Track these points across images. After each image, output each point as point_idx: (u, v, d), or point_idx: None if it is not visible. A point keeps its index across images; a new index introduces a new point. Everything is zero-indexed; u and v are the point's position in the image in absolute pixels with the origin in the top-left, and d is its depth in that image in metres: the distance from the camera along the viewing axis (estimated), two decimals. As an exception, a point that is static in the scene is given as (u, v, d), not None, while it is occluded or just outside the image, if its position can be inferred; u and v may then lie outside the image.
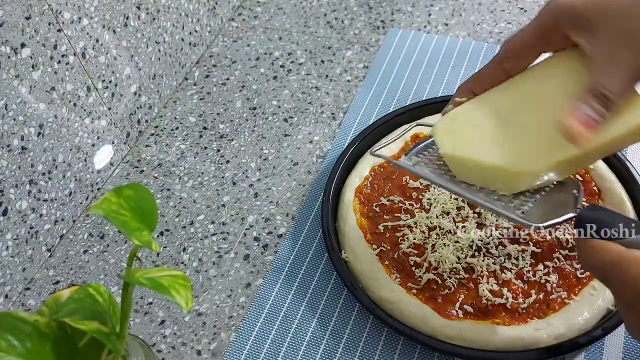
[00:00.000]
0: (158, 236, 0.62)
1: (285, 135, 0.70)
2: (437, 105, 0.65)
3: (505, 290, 0.51)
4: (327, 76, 0.76)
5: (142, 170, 0.69)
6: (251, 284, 0.57)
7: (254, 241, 0.61)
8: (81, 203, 0.64)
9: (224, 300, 0.56)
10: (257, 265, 0.59)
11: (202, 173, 0.68)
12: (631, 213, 0.55)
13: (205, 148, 0.70)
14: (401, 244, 0.55)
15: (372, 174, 0.61)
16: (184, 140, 0.71)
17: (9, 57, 0.52)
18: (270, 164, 0.67)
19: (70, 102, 0.60)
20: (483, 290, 0.51)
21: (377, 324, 0.53)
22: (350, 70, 0.77)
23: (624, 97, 0.39)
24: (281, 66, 0.79)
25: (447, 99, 0.66)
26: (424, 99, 0.69)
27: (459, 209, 0.57)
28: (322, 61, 0.79)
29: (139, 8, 0.67)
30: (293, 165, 0.67)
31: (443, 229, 0.56)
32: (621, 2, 0.39)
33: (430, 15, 0.83)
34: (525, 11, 0.81)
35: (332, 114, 0.72)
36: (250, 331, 0.54)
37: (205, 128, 0.72)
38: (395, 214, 0.58)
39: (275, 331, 0.53)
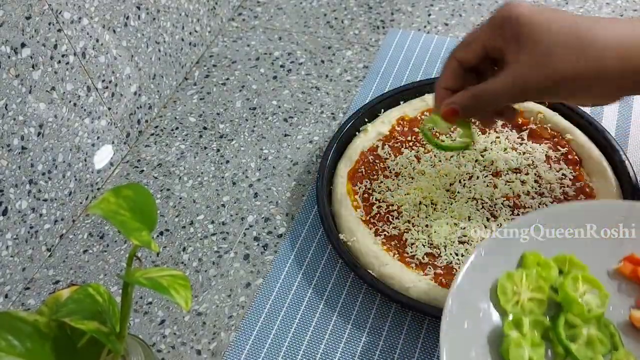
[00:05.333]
0: (158, 236, 0.62)
1: (285, 136, 0.70)
2: (419, 89, 0.68)
3: None
4: (327, 76, 0.77)
5: (142, 170, 0.69)
6: (251, 284, 0.57)
7: (253, 241, 0.61)
8: (81, 203, 0.64)
9: (224, 300, 0.56)
10: (257, 265, 0.59)
11: (202, 173, 0.68)
12: (612, 178, 0.56)
13: (205, 148, 0.70)
14: (396, 221, 0.57)
15: (363, 157, 0.62)
16: (183, 140, 0.71)
17: (9, 57, 0.52)
18: (270, 164, 0.67)
19: (70, 102, 0.60)
20: None
21: (382, 308, 0.53)
22: (350, 70, 0.77)
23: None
24: (281, 66, 0.79)
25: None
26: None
27: (449, 184, 0.59)
28: (322, 61, 0.79)
29: (139, 8, 0.67)
30: (293, 165, 0.67)
31: (435, 203, 0.58)
32: (547, 25, 0.44)
33: (430, 15, 0.83)
34: (525, 11, 0.81)
35: (332, 114, 0.72)
36: (250, 331, 0.54)
37: (205, 128, 0.72)
38: (388, 193, 0.59)
39: (276, 331, 0.53)
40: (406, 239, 0.55)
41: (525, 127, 0.62)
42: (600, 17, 0.48)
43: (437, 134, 0.61)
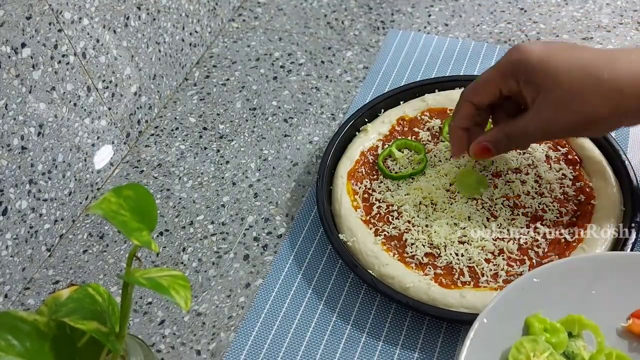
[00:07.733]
0: (157, 236, 0.62)
1: (285, 136, 0.70)
2: (419, 89, 0.67)
3: (500, 258, 0.53)
4: (327, 77, 0.77)
5: (142, 171, 0.69)
6: (251, 284, 0.57)
7: (253, 241, 0.61)
8: (81, 203, 0.64)
9: (224, 300, 0.56)
10: (257, 265, 0.59)
11: (202, 173, 0.68)
12: (612, 178, 0.56)
13: (205, 148, 0.70)
14: (396, 221, 0.57)
15: (363, 157, 0.62)
16: (183, 140, 0.71)
17: (9, 57, 0.52)
18: (270, 165, 0.68)
19: (70, 102, 0.60)
20: (479, 259, 0.53)
21: (382, 308, 0.53)
22: (350, 71, 0.77)
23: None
24: (281, 67, 0.79)
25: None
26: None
27: (449, 184, 0.59)
28: (322, 62, 0.79)
29: (139, 8, 0.67)
30: (293, 165, 0.67)
31: (435, 203, 0.58)
32: (565, 69, 0.45)
33: (430, 16, 0.83)
34: (525, 11, 0.81)
35: (332, 114, 0.72)
36: (249, 331, 0.54)
37: (205, 128, 0.72)
38: (388, 193, 0.59)
39: (275, 331, 0.53)
40: (406, 239, 0.55)
41: None
42: (613, 50, 0.50)
43: (387, 164, 0.62)
